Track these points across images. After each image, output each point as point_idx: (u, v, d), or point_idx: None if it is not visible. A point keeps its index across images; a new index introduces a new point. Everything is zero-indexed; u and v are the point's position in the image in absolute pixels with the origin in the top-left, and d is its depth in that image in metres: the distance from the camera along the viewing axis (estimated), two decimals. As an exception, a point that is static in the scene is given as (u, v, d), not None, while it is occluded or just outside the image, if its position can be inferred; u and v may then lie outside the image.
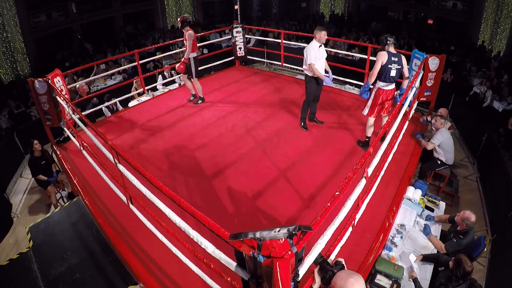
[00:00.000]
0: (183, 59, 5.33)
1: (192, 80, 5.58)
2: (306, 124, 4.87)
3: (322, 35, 4.25)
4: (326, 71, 4.60)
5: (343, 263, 1.81)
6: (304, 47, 4.55)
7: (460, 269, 2.60)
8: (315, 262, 1.84)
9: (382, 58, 3.83)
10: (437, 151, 4.47)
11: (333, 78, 4.81)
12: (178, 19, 5.21)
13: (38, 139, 4.84)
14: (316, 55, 4.28)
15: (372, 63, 5.48)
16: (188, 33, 5.16)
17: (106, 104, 6.12)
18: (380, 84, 3.98)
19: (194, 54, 5.33)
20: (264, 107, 5.58)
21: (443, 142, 4.34)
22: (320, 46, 4.32)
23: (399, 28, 13.27)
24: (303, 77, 4.70)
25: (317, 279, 1.78)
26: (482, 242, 3.18)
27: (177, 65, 5.41)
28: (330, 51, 8.88)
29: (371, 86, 4.10)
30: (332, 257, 2.30)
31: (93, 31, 13.46)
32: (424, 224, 3.34)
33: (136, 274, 2.82)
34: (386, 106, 4.14)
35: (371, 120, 4.22)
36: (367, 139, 4.36)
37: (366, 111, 4.18)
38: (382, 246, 3.02)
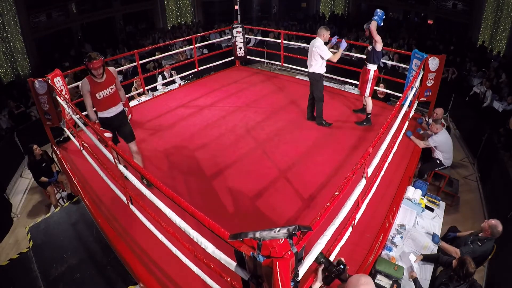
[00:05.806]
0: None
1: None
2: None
3: (327, 35, 4.53)
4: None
5: (344, 261, 1.81)
6: (304, 47, 4.55)
7: (463, 269, 2.60)
8: (318, 262, 1.84)
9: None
10: (435, 152, 4.44)
11: (333, 78, 4.84)
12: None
13: (38, 139, 4.84)
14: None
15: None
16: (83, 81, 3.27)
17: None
18: (375, 67, 4.55)
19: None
20: (264, 107, 5.57)
21: (441, 144, 4.30)
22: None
23: (399, 28, 13.27)
24: (302, 77, 4.71)
25: (319, 278, 1.78)
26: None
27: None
28: (331, 51, 8.86)
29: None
30: (332, 257, 2.30)
31: (93, 31, 13.46)
32: (433, 233, 3.29)
33: (136, 274, 2.82)
34: None
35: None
36: (369, 116, 4.87)
37: (368, 92, 4.67)
38: (382, 246, 3.01)
